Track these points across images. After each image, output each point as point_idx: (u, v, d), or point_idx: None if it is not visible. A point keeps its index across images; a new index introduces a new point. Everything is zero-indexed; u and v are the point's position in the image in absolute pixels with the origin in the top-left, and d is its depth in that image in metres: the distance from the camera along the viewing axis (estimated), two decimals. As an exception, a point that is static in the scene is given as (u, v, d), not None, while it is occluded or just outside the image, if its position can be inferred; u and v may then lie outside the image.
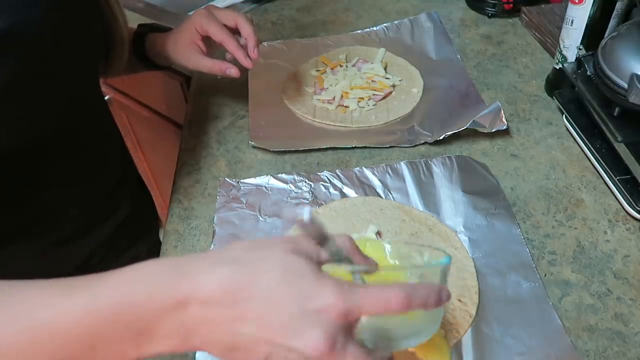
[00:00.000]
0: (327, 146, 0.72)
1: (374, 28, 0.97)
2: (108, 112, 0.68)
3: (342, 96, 0.80)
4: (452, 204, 0.63)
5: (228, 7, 1.08)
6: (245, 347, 0.32)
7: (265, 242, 0.35)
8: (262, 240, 0.35)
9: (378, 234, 0.59)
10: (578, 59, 0.70)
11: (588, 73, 0.67)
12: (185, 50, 0.69)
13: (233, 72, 0.69)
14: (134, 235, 0.72)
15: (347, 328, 0.32)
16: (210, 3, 1.17)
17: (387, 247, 0.48)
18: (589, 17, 0.70)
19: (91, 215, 0.62)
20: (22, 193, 0.53)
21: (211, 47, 0.71)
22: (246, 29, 0.69)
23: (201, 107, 0.83)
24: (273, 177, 0.68)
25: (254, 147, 0.73)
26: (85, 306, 0.31)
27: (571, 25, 0.72)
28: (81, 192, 0.60)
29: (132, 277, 0.32)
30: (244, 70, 0.71)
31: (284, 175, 0.68)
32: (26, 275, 0.34)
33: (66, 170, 0.57)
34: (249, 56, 0.69)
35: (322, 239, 0.36)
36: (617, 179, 0.62)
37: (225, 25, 0.68)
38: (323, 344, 0.30)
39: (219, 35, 0.67)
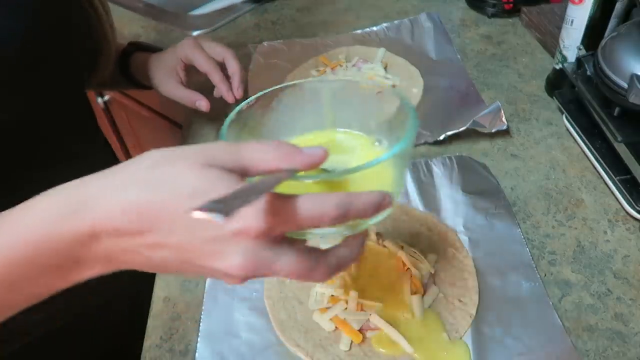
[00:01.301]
0: (327, 146, 0.72)
1: (374, 28, 0.97)
2: (95, 123, 0.68)
3: (342, 96, 0.80)
4: (452, 204, 0.63)
5: (227, 8, 1.08)
6: (171, 267, 0.31)
7: (175, 154, 0.31)
8: (172, 152, 0.31)
9: (378, 233, 0.59)
10: (578, 59, 0.70)
11: (588, 73, 0.67)
12: (164, 76, 0.69)
13: (203, 104, 0.68)
14: None
15: (274, 240, 0.30)
16: (210, 3, 1.17)
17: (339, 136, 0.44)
18: (589, 17, 0.70)
19: None
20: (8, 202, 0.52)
21: (191, 78, 0.70)
22: (233, 66, 0.68)
23: (201, 107, 0.83)
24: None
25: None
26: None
27: (571, 25, 0.72)
28: None
29: (39, 216, 0.31)
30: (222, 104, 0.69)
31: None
32: None
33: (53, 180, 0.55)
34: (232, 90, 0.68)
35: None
36: (617, 179, 0.62)
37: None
38: (245, 266, 0.29)
39: (205, 66, 0.66)
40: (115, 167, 0.31)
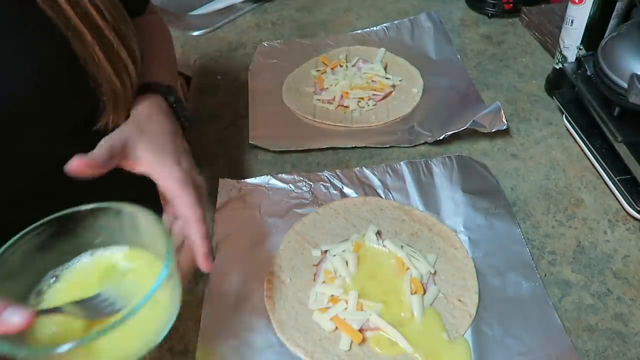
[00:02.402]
0: (327, 146, 0.72)
1: (374, 28, 0.97)
2: None
3: (342, 96, 0.80)
4: (452, 204, 0.63)
5: (227, 8, 1.08)
6: None
7: None
8: None
9: (378, 233, 0.59)
10: (578, 59, 0.70)
11: (588, 73, 0.67)
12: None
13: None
14: None
15: None
16: (210, 4, 1.17)
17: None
18: (589, 17, 0.70)
19: None
20: None
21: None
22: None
23: (201, 107, 0.83)
24: (273, 177, 0.68)
25: (254, 147, 0.73)
26: None
27: (571, 25, 0.72)
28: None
29: None
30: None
31: (284, 175, 0.68)
32: None
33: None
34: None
35: None
36: (617, 179, 0.62)
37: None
38: None
39: (189, 213, 0.47)
40: None
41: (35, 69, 0.50)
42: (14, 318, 0.32)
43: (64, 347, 0.32)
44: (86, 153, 0.44)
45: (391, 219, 0.61)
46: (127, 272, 0.42)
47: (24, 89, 0.50)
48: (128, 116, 0.54)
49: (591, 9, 0.69)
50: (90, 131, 0.54)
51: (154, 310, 0.37)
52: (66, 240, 0.41)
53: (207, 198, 0.57)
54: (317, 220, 0.62)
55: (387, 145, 0.72)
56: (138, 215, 0.41)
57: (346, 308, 0.52)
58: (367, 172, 0.68)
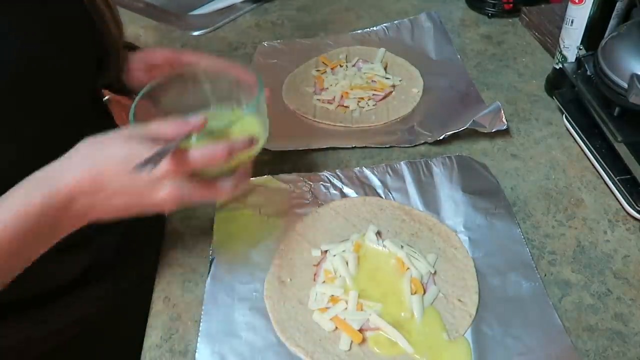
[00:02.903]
0: (327, 146, 0.72)
1: (374, 28, 0.97)
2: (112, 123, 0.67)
3: (342, 96, 0.80)
4: (452, 204, 0.63)
5: (227, 8, 1.08)
6: (126, 209, 0.45)
7: (102, 136, 0.44)
8: (101, 135, 0.44)
9: (378, 233, 0.59)
10: (578, 59, 0.70)
11: (588, 73, 0.67)
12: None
13: None
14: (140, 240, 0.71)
15: (187, 177, 0.44)
16: (210, 4, 1.17)
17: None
18: (589, 17, 0.70)
19: None
20: None
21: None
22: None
23: (201, 107, 0.83)
24: (273, 177, 0.68)
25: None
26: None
27: (571, 25, 0.72)
28: None
29: (27, 194, 0.42)
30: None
31: (284, 175, 0.68)
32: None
33: None
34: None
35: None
36: (617, 179, 0.62)
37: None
38: (172, 193, 0.43)
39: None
40: (66, 154, 0.43)
41: (46, 25, 0.51)
42: (197, 118, 0.45)
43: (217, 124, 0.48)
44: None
45: (391, 219, 0.61)
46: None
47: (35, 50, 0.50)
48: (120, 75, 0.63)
49: (591, 9, 0.69)
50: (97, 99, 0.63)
51: (259, 115, 0.53)
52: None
53: None
54: (317, 220, 0.62)
55: (387, 145, 0.72)
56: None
57: (346, 308, 0.52)
58: (367, 172, 0.68)
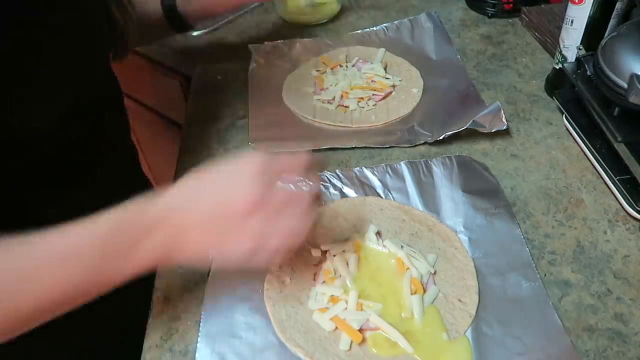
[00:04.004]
0: (327, 146, 0.72)
1: (374, 28, 0.97)
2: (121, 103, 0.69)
3: (342, 96, 0.80)
4: (452, 204, 0.63)
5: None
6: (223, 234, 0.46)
7: (229, 167, 0.50)
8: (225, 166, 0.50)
9: (378, 233, 0.59)
10: (578, 59, 0.70)
11: (588, 73, 0.67)
12: None
13: None
14: None
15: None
16: None
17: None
18: (589, 17, 0.70)
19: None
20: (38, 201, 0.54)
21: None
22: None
23: (201, 107, 0.83)
24: (273, 177, 0.68)
25: (254, 147, 0.73)
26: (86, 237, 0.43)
27: (571, 25, 0.72)
28: (93, 193, 0.59)
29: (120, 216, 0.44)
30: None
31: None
32: None
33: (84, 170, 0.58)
34: None
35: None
36: (617, 179, 0.62)
37: None
38: (254, 196, 0.47)
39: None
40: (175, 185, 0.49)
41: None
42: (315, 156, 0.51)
43: None
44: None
45: (391, 219, 0.61)
46: None
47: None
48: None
49: (591, 9, 0.69)
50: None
51: None
52: None
53: None
54: (317, 220, 0.62)
55: (387, 145, 0.72)
56: None
57: (346, 308, 0.52)
58: (367, 172, 0.68)
